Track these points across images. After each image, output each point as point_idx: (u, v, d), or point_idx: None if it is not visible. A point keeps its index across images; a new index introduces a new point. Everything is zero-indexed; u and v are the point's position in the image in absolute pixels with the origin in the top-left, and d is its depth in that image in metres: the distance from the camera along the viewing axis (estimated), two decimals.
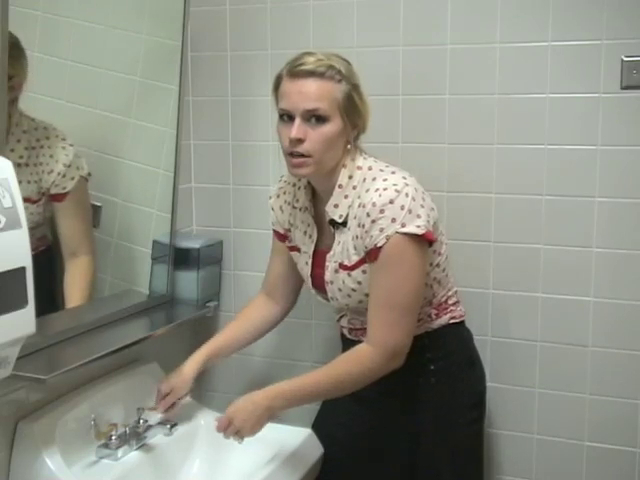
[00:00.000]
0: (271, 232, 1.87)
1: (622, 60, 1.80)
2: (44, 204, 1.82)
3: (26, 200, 1.75)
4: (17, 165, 1.74)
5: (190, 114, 2.20)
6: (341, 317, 1.79)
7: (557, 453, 1.99)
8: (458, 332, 1.79)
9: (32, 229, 1.79)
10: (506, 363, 1.99)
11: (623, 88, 1.81)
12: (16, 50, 1.69)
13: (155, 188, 2.09)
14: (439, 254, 1.69)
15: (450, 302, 1.76)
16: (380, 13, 1.99)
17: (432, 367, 1.72)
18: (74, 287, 1.87)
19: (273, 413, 1.60)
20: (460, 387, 1.76)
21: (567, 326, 1.94)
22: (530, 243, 1.95)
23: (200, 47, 2.16)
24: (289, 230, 1.79)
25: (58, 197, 1.82)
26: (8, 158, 1.71)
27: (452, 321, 1.76)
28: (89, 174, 1.88)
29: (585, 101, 1.85)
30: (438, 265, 1.69)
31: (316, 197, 1.72)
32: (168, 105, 2.05)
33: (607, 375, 1.93)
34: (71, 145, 1.83)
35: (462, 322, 1.80)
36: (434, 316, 1.72)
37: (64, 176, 1.81)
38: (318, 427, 1.85)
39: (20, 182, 1.74)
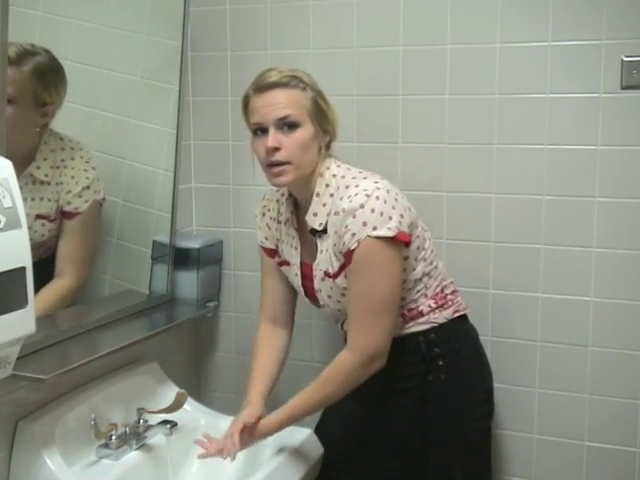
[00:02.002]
0: None
1: (622, 60, 1.80)
2: (59, 222, 1.84)
3: (44, 217, 1.80)
4: (40, 183, 1.78)
5: (190, 114, 2.20)
6: (342, 322, 1.80)
7: (557, 453, 1.99)
8: (464, 327, 1.80)
9: (46, 242, 1.81)
10: (506, 363, 1.99)
11: (623, 88, 1.81)
12: (54, 77, 1.73)
13: (155, 188, 2.09)
14: (423, 249, 1.71)
15: (447, 292, 1.77)
16: (380, 13, 1.99)
17: (441, 363, 1.72)
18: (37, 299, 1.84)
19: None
20: (470, 382, 1.77)
21: (567, 326, 1.94)
22: (530, 243, 1.95)
23: (200, 47, 2.16)
24: (277, 246, 1.81)
25: (69, 215, 1.84)
26: (34, 175, 1.77)
27: (457, 314, 1.77)
28: (104, 199, 1.90)
29: (585, 101, 1.85)
30: (424, 259, 1.71)
31: (298, 210, 1.75)
32: (168, 105, 2.05)
33: (607, 375, 1.93)
34: (94, 168, 1.86)
35: (467, 317, 1.82)
36: (434, 305, 1.73)
37: (80, 197, 1.83)
38: (321, 428, 1.86)
39: (41, 199, 1.78)
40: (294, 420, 1.67)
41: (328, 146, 1.69)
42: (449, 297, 1.77)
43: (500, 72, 1.90)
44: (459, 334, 1.77)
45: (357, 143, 1.79)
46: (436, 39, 1.94)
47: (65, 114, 1.85)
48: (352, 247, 1.58)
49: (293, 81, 1.62)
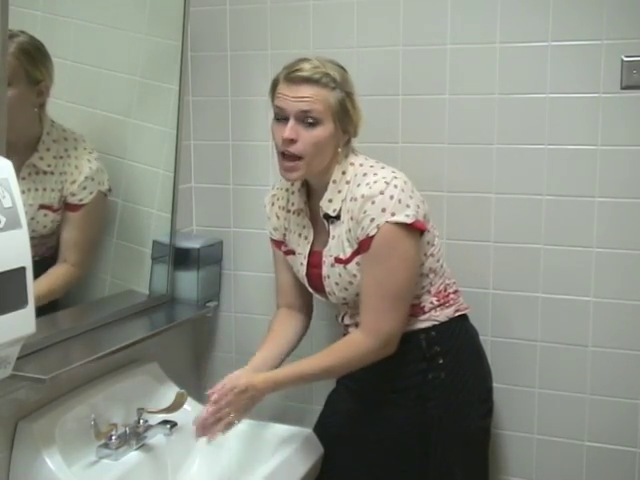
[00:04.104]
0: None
1: (622, 60, 1.80)
2: (62, 212, 1.84)
3: (47, 208, 1.81)
4: (43, 173, 1.80)
5: (190, 114, 2.20)
6: (343, 316, 1.80)
7: (557, 453, 1.99)
8: (464, 326, 1.81)
9: (47, 236, 1.82)
10: (506, 363, 1.99)
11: (623, 88, 1.81)
12: (40, 54, 1.75)
13: (155, 188, 2.09)
14: (432, 245, 1.73)
15: (450, 290, 1.78)
16: (380, 13, 1.99)
17: (441, 361, 1.73)
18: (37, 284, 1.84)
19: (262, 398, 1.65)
20: (470, 381, 1.78)
21: (567, 326, 1.94)
22: (530, 243, 1.95)
23: (200, 47, 2.16)
24: (284, 235, 1.82)
25: (73, 207, 1.85)
26: (36, 165, 1.78)
27: (458, 314, 1.78)
28: (109, 190, 1.90)
29: (585, 101, 1.85)
30: (432, 255, 1.73)
31: (310, 199, 1.76)
32: (168, 105, 2.05)
33: (607, 375, 1.93)
34: (97, 159, 1.87)
35: (467, 317, 1.82)
36: (436, 302, 1.74)
37: (84, 188, 1.84)
38: (321, 428, 1.86)
39: (44, 189, 1.80)
40: (289, 384, 1.68)
41: (347, 143, 1.71)
42: (451, 296, 1.78)
43: (500, 72, 1.90)
44: (459, 333, 1.78)
45: (357, 143, 1.79)
46: (436, 39, 1.94)
47: (65, 114, 1.86)
48: (371, 233, 1.60)
49: (325, 79, 1.62)
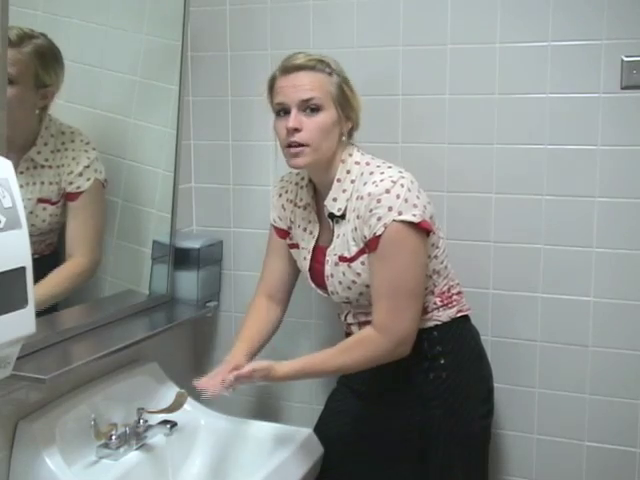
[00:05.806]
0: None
1: (622, 60, 1.80)
2: (62, 206, 1.84)
3: (46, 201, 1.82)
4: (41, 167, 1.81)
5: (190, 114, 2.20)
6: (346, 315, 1.80)
7: (557, 453, 1.99)
8: (466, 326, 1.81)
9: (47, 233, 1.83)
10: (506, 363, 1.99)
11: (623, 88, 1.81)
12: (54, 60, 1.77)
13: (155, 188, 2.09)
14: (437, 247, 1.73)
15: (453, 291, 1.78)
16: (380, 13, 1.99)
17: (442, 361, 1.73)
18: (45, 281, 1.79)
19: None
20: (471, 381, 1.78)
21: (567, 326, 1.94)
22: (530, 243, 1.95)
23: (200, 47, 2.16)
24: (290, 227, 1.82)
25: (72, 196, 1.85)
26: (34, 159, 1.79)
27: (460, 314, 1.78)
28: (106, 180, 1.90)
29: (585, 101, 1.85)
30: (436, 257, 1.72)
31: (317, 195, 1.77)
32: (168, 105, 2.05)
33: (607, 375, 1.93)
34: (94, 149, 1.88)
35: (469, 318, 1.82)
36: (439, 303, 1.74)
37: (80, 175, 1.84)
38: (321, 427, 1.86)
39: (42, 183, 1.80)
40: (303, 377, 1.70)
41: (350, 134, 1.72)
42: (454, 297, 1.78)
43: (500, 72, 1.90)
44: (461, 333, 1.78)
45: (357, 143, 1.79)
46: (436, 39, 1.94)
47: (66, 114, 1.86)
48: (378, 232, 1.59)
49: (320, 65, 1.65)
